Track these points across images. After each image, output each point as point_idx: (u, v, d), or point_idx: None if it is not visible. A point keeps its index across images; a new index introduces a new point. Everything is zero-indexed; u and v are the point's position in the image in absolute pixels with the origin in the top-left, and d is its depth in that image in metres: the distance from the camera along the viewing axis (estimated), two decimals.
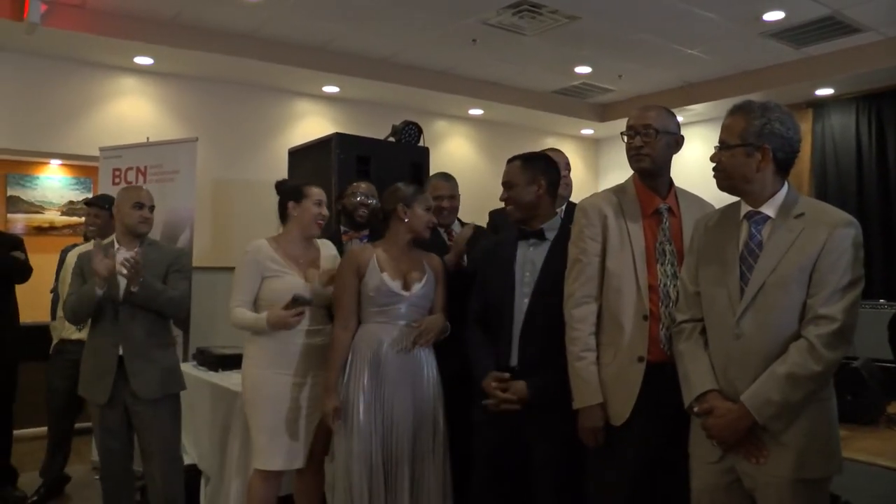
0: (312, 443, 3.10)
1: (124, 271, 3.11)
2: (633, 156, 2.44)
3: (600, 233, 2.42)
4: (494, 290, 2.73)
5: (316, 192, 3.18)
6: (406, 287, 2.91)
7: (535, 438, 2.60)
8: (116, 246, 3.33)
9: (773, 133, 2.05)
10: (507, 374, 2.59)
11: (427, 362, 2.96)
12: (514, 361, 2.64)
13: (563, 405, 2.47)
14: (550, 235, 2.70)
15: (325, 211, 3.18)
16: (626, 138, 2.46)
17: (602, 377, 2.37)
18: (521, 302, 2.65)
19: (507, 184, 2.75)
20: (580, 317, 2.40)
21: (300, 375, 3.04)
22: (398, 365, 2.89)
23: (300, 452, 3.06)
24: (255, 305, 3.07)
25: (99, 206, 4.49)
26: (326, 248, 3.27)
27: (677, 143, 2.48)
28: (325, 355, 3.02)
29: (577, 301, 2.41)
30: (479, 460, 2.76)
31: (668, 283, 2.35)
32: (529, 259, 2.69)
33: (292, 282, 3.05)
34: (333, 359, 2.94)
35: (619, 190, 2.52)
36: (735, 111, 2.12)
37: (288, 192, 3.20)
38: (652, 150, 2.41)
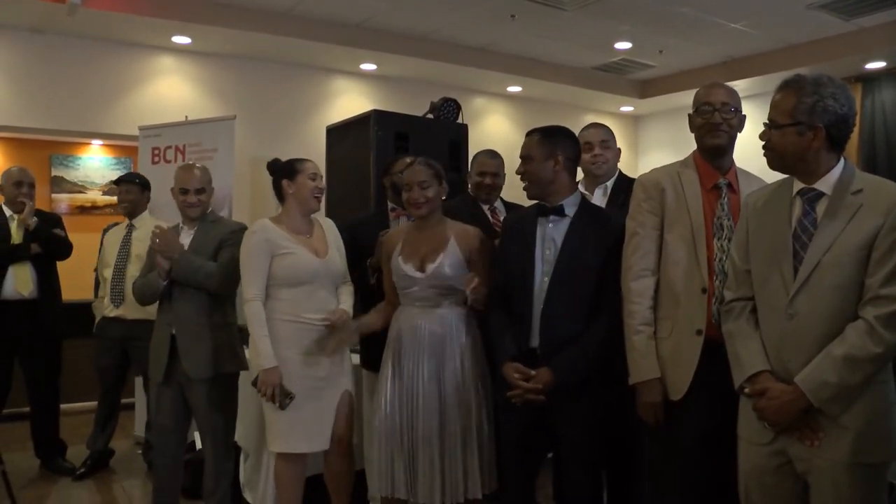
0: (337, 423, 3.06)
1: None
2: (712, 131, 2.40)
3: (659, 206, 2.40)
4: (514, 268, 2.65)
5: (309, 167, 3.12)
6: (421, 269, 2.85)
7: (561, 423, 2.56)
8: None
9: (826, 110, 1.96)
10: (531, 372, 2.51)
11: (459, 341, 2.87)
12: (535, 342, 2.57)
13: (587, 388, 2.47)
14: (571, 212, 2.62)
15: (321, 184, 3.12)
16: (700, 114, 2.42)
17: (659, 351, 2.35)
18: (542, 281, 2.58)
19: (524, 157, 2.68)
20: (638, 290, 2.38)
21: (313, 355, 2.99)
22: (417, 346, 2.84)
23: (323, 434, 3.02)
24: (268, 285, 2.99)
25: (129, 182, 4.53)
26: (328, 224, 3.21)
27: (741, 122, 2.47)
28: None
29: (636, 274, 2.39)
30: (505, 444, 2.73)
31: (724, 258, 2.31)
32: (550, 236, 2.61)
33: (305, 258, 2.99)
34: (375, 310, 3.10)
35: (679, 165, 2.50)
36: (785, 87, 2.03)
37: (280, 171, 3.12)
38: (730, 126, 2.41)
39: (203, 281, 3.22)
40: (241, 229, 3.32)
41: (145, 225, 4.34)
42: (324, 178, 3.15)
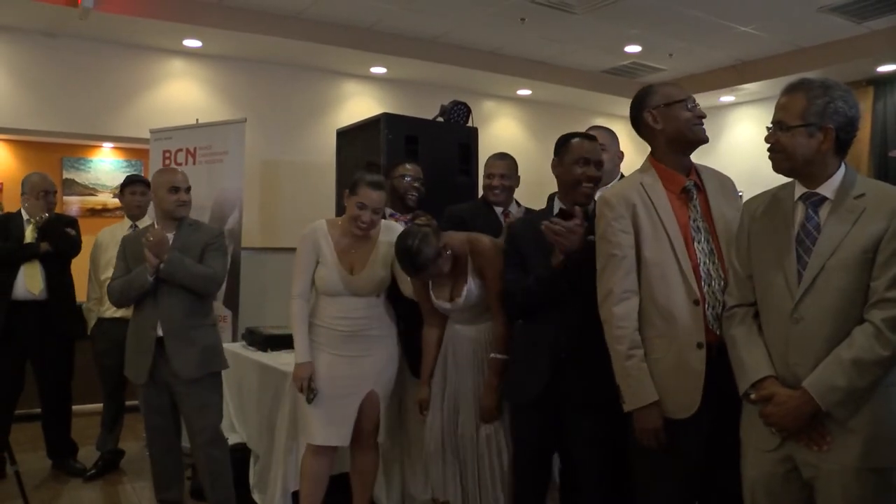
0: (362, 421, 3.14)
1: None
2: (699, 124, 2.36)
3: (630, 223, 2.30)
4: (537, 268, 2.66)
5: (363, 195, 3.03)
6: (451, 299, 2.95)
7: (574, 423, 2.59)
8: (158, 227, 3.37)
9: (836, 112, 1.96)
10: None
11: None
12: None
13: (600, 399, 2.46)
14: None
15: (366, 217, 3.03)
16: (684, 109, 2.35)
17: (656, 371, 2.25)
18: None
19: (597, 163, 2.68)
20: (623, 314, 2.27)
21: (342, 355, 3.09)
22: (462, 356, 2.95)
23: (342, 430, 3.10)
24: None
25: (142, 184, 4.57)
26: (388, 234, 3.14)
27: None
28: (364, 340, 3.13)
29: (619, 297, 2.28)
30: (521, 448, 2.76)
31: (707, 261, 2.28)
32: None
33: (334, 273, 3.08)
34: (423, 354, 3.10)
35: (640, 174, 2.41)
36: (793, 90, 2.02)
37: (350, 182, 3.12)
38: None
39: (193, 281, 3.27)
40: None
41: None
42: (372, 211, 3.05)
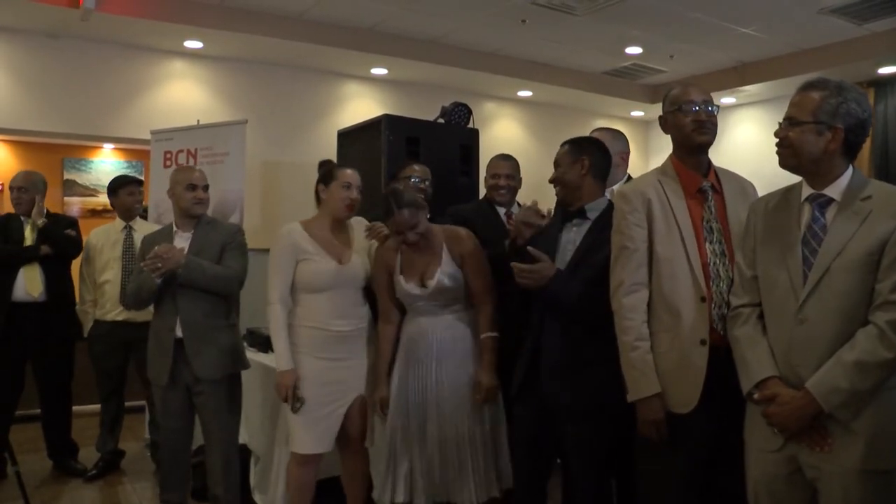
0: (349, 427, 3.11)
1: (159, 264, 3.13)
2: (701, 128, 2.38)
3: (645, 218, 2.34)
4: None
5: (344, 176, 3.11)
6: (422, 284, 2.93)
7: (569, 428, 2.58)
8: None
9: (848, 113, 1.97)
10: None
11: (467, 346, 2.97)
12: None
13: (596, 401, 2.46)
14: (593, 215, 2.66)
15: (353, 194, 3.09)
16: (684, 113, 2.39)
17: (660, 365, 2.28)
18: None
19: (555, 164, 2.75)
20: (632, 305, 2.32)
21: (331, 359, 3.05)
22: (427, 352, 2.93)
23: (328, 436, 3.07)
24: (292, 289, 3.07)
25: (139, 184, 4.57)
26: (360, 225, 3.22)
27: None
28: (356, 341, 3.11)
29: (628, 289, 2.32)
30: (517, 445, 2.77)
31: (718, 261, 2.30)
32: (571, 240, 2.66)
33: (323, 265, 3.04)
34: (379, 351, 3.07)
35: (659, 172, 2.46)
36: (808, 87, 2.04)
37: (320, 174, 3.17)
38: (713, 124, 2.41)
39: (211, 283, 3.25)
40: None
41: (142, 226, 4.40)
42: (357, 189, 3.12)
